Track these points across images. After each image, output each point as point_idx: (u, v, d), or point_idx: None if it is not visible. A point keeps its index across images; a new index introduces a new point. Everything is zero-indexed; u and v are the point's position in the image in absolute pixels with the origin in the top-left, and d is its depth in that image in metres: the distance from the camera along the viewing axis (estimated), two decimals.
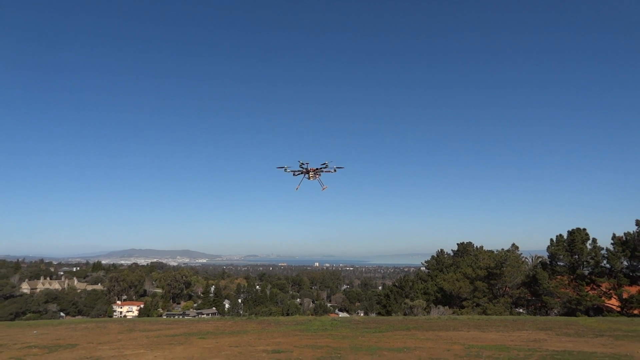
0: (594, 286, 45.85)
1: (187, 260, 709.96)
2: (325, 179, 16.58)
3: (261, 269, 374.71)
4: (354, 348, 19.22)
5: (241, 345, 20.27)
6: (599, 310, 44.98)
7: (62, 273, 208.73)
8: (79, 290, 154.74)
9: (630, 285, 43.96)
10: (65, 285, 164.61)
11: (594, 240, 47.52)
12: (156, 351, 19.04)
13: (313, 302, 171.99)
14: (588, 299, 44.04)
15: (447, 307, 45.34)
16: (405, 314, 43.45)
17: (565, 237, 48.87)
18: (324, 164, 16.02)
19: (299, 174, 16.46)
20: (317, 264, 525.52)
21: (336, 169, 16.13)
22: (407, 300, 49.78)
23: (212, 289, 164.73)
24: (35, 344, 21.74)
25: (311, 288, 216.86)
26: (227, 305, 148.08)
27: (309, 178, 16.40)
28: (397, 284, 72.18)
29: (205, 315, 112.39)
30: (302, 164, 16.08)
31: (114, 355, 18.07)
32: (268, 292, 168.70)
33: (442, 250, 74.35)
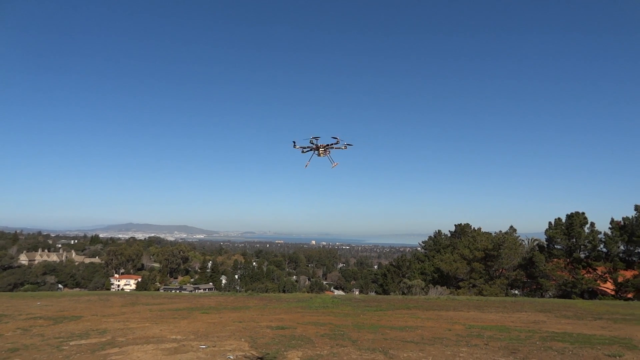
0: (590, 270, 46.37)
1: (184, 235, 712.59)
2: (334, 155, 16.29)
3: (258, 245, 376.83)
4: (356, 326, 19.46)
5: (245, 321, 20.50)
6: (594, 294, 45.61)
7: (60, 245, 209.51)
8: (76, 263, 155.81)
9: (626, 269, 44.50)
10: (63, 258, 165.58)
11: (592, 224, 47.87)
12: (161, 325, 19.23)
13: (309, 279, 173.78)
14: (583, 282, 44.61)
15: (445, 287, 45.91)
16: (403, 293, 43.96)
17: (563, 220, 49.21)
18: (335, 139, 15.72)
19: (307, 151, 16.09)
20: (313, 242, 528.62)
21: (346, 146, 15.79)
22: (405, 280, 50.31)
23: (209, 264, 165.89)
24: (40, 315, 21.93)
25: (307, 266, 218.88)
26: (223, 281, 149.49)
27: (318, 155, 16.02)
28: (394, 264, 72.82)
29: (202, 290, 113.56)
30: (312, 139, 15.74)
31: (120, 328, 18.24)
32: (264, 269, 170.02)
33: (439, 231, 74.75)
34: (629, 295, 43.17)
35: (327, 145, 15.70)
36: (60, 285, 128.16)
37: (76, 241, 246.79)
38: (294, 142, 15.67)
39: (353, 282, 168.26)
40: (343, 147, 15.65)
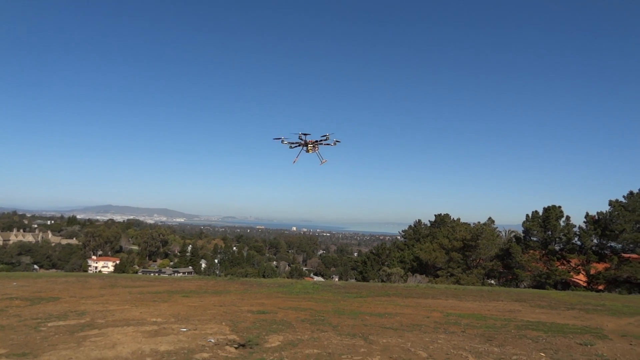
0: (564, 262, 47.75)
1: (164, 218, 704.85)
2: (323, 152, 16.19)
3: (239, 230, 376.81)
4: (336, 312, 19.64)
5: (225, 305, 20.49)
6: (567, 285, 46.96)
7: (35, 226, 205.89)
8: (53, 244, 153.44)
9: (598, 262, 45.91)
10: (39, 238, 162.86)
11: (568, 217, 49.16)
12: (141, 307, 19.09)
13: (289, 265, 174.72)
14: (557, 274, 45.95)
15: (423, 276, 46.69)
16: (383, 281, 44.55)
17: (540, 213, 50.35)
18: (324, 136, 15.63)
19: (296, 146, 15.93)
20: (294, 228, 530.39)
21: (336, 142, 15.73)
22: (385, 268, 50.95)
23: (189, 248, 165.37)
24: (16, 296, 21.55)
25: (288, 251, 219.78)
26: (203, 265, 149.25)
27: (307, 151, 15.87)
28: (374, 251, 73.60)
29: (181, 274, 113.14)
30: (301, 135, 15.60)
31: (99, 310, 18.04)
32: (245, 254, 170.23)
33: (419, 220, 75.73)
34: (600, 287, 44.65)
35: (316, 141, 15.60)
36: (35, 266, 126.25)
37: (53, 222, 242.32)
38: (282, 138, 15.51)
39: (333, 268, 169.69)
40: (332, 144, 15.61)
